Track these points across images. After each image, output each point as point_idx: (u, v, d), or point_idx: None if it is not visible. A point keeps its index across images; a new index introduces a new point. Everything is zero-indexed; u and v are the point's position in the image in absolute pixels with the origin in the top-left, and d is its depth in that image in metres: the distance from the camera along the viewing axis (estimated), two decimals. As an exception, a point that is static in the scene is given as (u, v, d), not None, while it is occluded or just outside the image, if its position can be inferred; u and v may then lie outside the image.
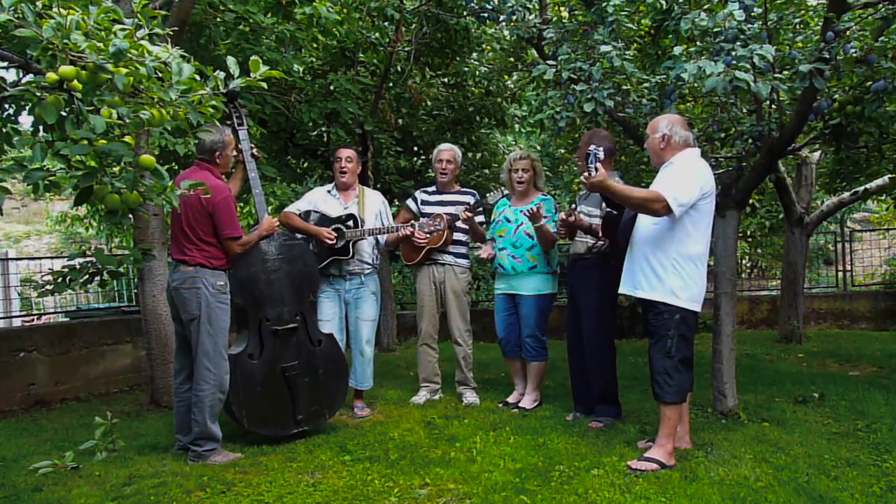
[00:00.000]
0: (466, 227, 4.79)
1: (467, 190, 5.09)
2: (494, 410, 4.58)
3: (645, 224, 3.47)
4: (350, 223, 4.51)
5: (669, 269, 3.35)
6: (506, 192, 4.69)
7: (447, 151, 4.95)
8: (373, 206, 4.73)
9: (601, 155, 3.27)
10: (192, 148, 3.59)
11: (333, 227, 4.50)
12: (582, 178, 3.33)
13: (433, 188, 5.05)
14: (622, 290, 3.61)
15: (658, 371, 3.39)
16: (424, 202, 4.97)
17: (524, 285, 4.54)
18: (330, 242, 4.42)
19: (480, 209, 4.77)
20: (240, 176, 4.17)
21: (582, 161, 3.50)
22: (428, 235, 4.63)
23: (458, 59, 7.51)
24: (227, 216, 3.69)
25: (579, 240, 4.27)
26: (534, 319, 4.52)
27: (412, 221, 4.69)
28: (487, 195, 4.74)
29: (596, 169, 3.23)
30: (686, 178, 3.30)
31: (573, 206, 4.34)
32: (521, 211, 4.50)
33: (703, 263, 3.44)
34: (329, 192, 4.71)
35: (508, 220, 4.56)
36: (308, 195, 4.77)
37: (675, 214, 3.26)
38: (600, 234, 4.08)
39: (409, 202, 5.09)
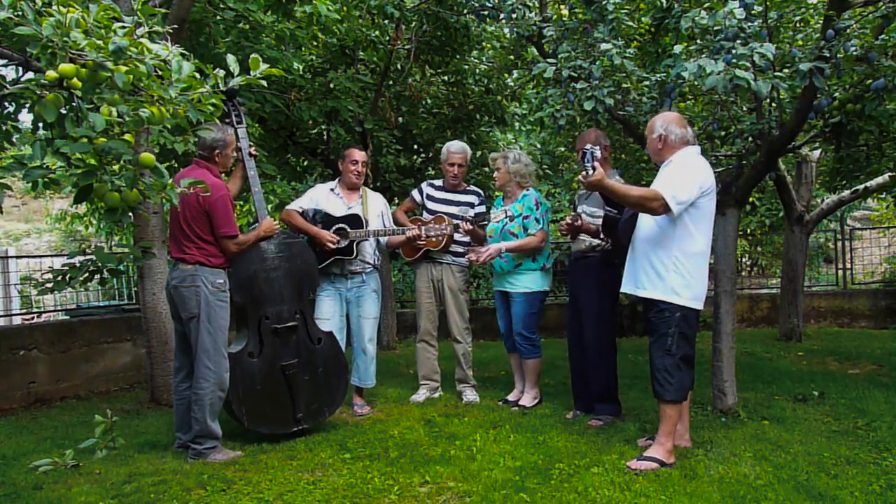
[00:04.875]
0: (467, 236, 4.80)
1: (473, 189, 5.08)
2: (494, 408, 4.59)
3: (646, 223, 3.47)
4: (353, 223, 4.50)
5: (671, 267, 3.35)
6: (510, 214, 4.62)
7: (459, 154, 4.91)
8: (376, 207, 4.73)
9: (598, 153, 3.27)
10: (192, 146, 3.58)
11: (337, 226, 4.49)
12: (580, 177, 3.33)
13: (440, 183, 5.04)
14: (624, 289, 3.61)
15: (658, 369, 3.39)
16: (430, 196, 4.96)
17: (514, 283, 4.54)
18: (332, 247, 4.41)
19: (484, 221, 4.77)
20: (239, 174, 4.17)
21: (580, 160, 3.50)
22: (433, 239, 4.63)
23: (458, 57, 7.50)
24: (224, 215, 3.69)
25: (581, 238, 4.27)
26: (521, 317, 4.51)
27: (420, 225, 4.68)
28: (491, 212, 4.70)
29: (593, 168, 3.23)
30: (685, 176, 3.30)
31: (576, 207, 4.34)
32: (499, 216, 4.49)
33: (705, 261, 3.44)
34: (332, 190, 4.70)
35: (509, 219, 4.56)
36: (310, 193, 4.75)
37: (673, 213, 3.26)
38: (601, 235, 4.09)
39: (415, 193, 5.08)
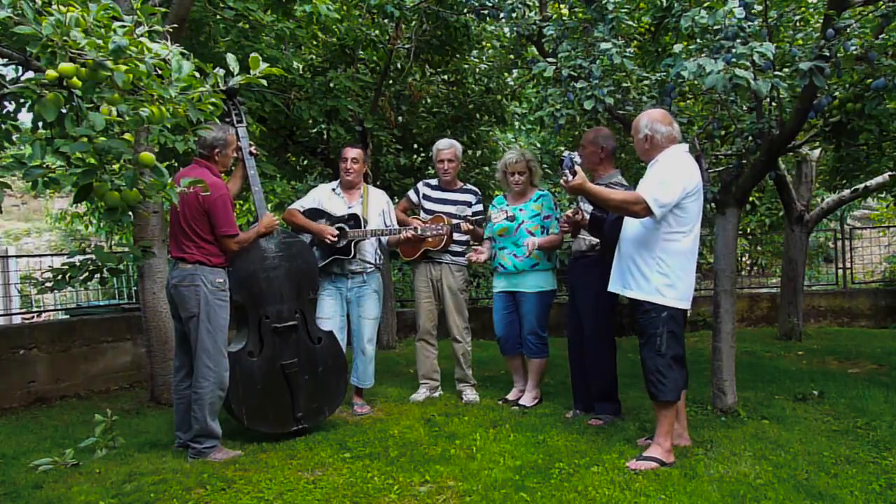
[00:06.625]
0: (467, 235, 4.81)
1: (469, 188, 5.07)
2: (494, 408, 4.59)
3: (632, 223, 3.46)
4: (352, 223, 4.50)
5: (654, 267, 3.35)
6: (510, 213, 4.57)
7: (447, 151, 4.91)
8: (377, 206, 4.71)
9: (577, 159, 3.28)
10: (192, 145, 3.58)
11: (336, 226, 4.49)
12: (561, 182, 3.34)
13: (436, 182, 5.04)
14: (611, 288, 3.61)
15: (651, 370, 3.39)
16: (426, 196, 4.96)
17: (526, 283, 4.54)
18: (332, 240, 4.41)
19: (481, 217, 4.76)
20: (240, 174, 4.17)
21: (559, 166, 3.50)
22: (430, 237, 4.64)
23: (458, 56, 7.50)
24: (224, 214, 3.69)
25: (581, 237, 4.27)
26: (535, 317, 4.52)
27: (416, 225, 4.68)
28: (491, 211, 4.70)
29: (574, 173, 3.23)
30: (668, 178, 3.28)
31: (577, 203, 4.34)
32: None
33: (691, 261, 3.42)
34: (333, 190, 4.70)
35: (509, 220, 4.56)
36: (313, 193, 4.76)
37: (655, 215, 3.26)
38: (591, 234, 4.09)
39: (411, 193, 5.09)
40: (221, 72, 2.52)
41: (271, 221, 3.96)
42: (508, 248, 4.57)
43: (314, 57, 7.16)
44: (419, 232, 4.57)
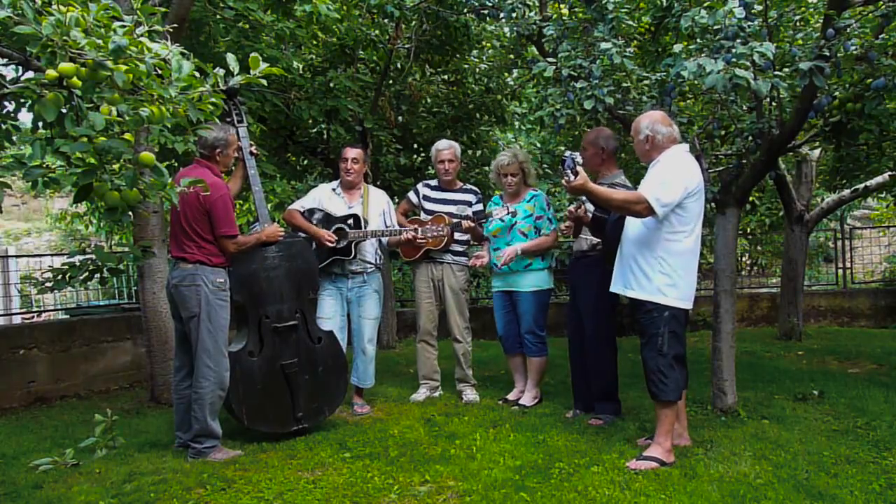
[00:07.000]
0: (468, 235, 4.81)
1: (469, 187, 5.07)
2: (494, 408, 4.59)
3: (633, 223, 3.46)
4: (352, 223, 4.50)
5: (656, 267, 3.35)
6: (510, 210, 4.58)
7: (447, 151, 4.92)
8: (377, 206, 4.71)
9: (578, 159, 3.29)
10: (192, 145, 3.58)
11: (336, 226, 4.49)
12: (563, 182, 3.34)
13: (435, 182, 5.04)
14: (613, 288, 3.61)
15: (652, 370, 3.39)
16: (426, 197, 4.96)
17: (521, 282, 4.54)
18: (330, 245, 4.41)
19: (483, 220, 4.77)
20: (240, 174, 4.17)
21: (560, 167, 3.50)
22: (430, 239, 4.64)
23: (458, 56, 7.51)
24: (224, 214, 3.69)
25: (583, 237, 4.27)
26: (532, 316, 4.52)
27: (416, 226, 4.67)
28: (493, 209, 4.71)
29: (576, 173, 3.23)
30: (670, 177, 3.28)
31: (578, 201, 4.34)
32: (502, 251, 4.49)
33: (693, 261, 3.42)
34: (334, 190, 4.70)
35: (502, 220, 4.56)
36: (313, 192, 4.76)
37: (657, 215, 3.26)
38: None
39: (411, 194, 5.08)
40: (221, 72, 2.52)
41: (275, 232, 3.94)
42: (502, 248, 4.57)
43: (314, 57, 7.16)
44: (419, 233, 4.55)
